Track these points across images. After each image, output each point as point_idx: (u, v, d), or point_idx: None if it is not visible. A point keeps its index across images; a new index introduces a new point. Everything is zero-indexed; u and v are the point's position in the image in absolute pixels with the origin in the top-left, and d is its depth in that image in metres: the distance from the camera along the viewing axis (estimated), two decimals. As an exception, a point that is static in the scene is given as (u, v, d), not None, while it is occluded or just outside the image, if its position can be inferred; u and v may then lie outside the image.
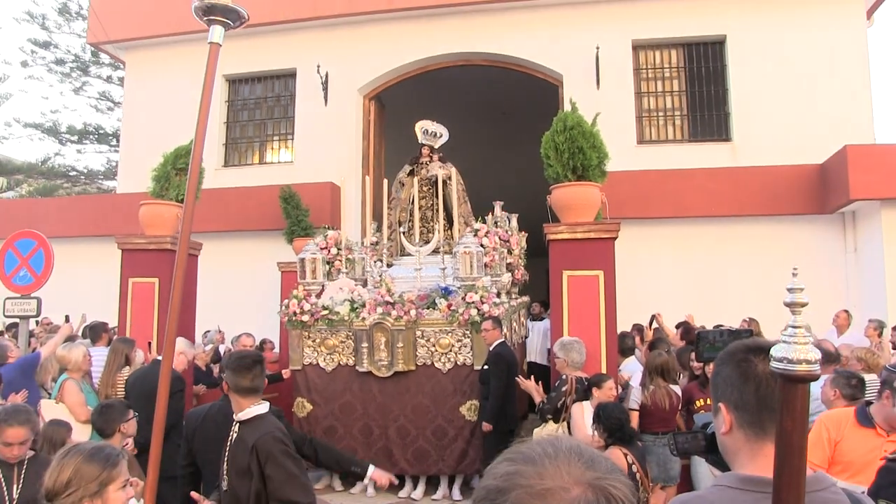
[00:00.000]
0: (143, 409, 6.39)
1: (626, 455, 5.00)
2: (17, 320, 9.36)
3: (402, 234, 9.86)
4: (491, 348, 7.58)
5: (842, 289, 11.89)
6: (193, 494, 3.82)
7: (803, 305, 1.44)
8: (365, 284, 9.03)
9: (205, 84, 3.08)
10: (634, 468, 4.99)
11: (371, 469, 4.78)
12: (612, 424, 5.18)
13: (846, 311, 9.96)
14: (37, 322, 11.65)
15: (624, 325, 9.34)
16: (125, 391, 6.76)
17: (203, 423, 4.49)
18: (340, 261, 9.47)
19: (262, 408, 3.88)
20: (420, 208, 9.68)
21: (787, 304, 1.45)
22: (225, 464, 3.83)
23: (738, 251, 12.23)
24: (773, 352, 1.39)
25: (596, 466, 1.05)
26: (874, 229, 11.42)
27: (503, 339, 7.70)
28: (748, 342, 1.86)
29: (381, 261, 9.39)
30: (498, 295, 8.31)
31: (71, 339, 8.75)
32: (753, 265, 12.05)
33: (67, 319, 8.55)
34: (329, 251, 9.60)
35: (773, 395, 1.68)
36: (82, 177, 29.64)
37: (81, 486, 2.59)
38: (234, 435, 3.84)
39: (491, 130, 18.50)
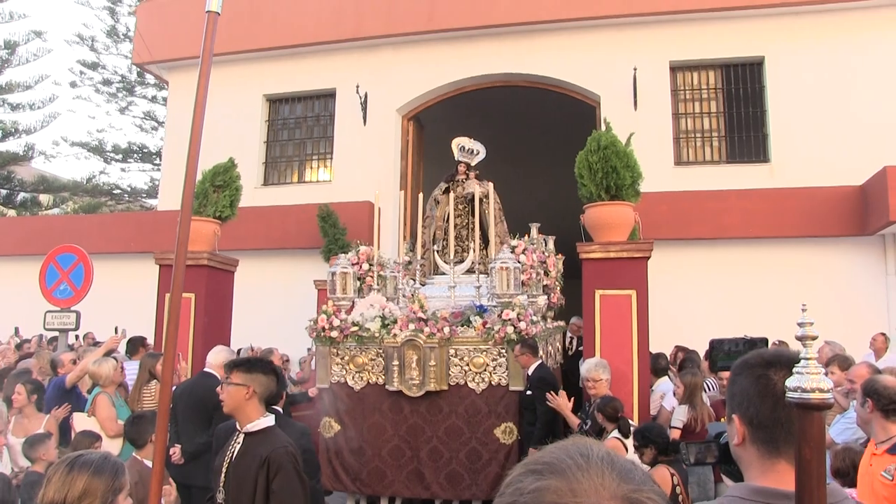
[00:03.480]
0: (190, 420, 6.49)
1: (672, 476, 5.00)
2: (56, 333, 9.56)
3: (436, 253, 9.64)
4: (530, 372, 7.33)
5: (882, 312, 11.69)
6: None
7: (814, 339, 1.47)
8: (397, 303, 8.76)
9: (203, 54, 3.11)
10: (678, 489, 4.98)
11: None
12: (662, 443, 5.21)
13: (883, 335, 9.80)
14: (76, 336, 11.86)
15: (660, 346, 9.28)
16: (173, 402, 6.84)
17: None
18: (372, 277, 9.26)
19: (270, 420, 3.80)
20: (455, 227, 9.38)
21: (799, 338, 1.48)
22: (223, 475, 3.73)
23: (776, 273, 12.08)
24: (787, 383, 1.42)
25: (629, 478, 0.97)
26: (915, 252, 11.24)
27: (541, 361, 7.47)
28: (767, 354, 1.82)
29: (414, 279, 9.21)
30: (534, 316, 8.13)
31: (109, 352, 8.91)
32: (791, 287, 11.88)
33: (117, 331, 8.66)
34: (360, 266, 9.39)
35: (791, 415, 1.67)
36: (126, 195, 30.19)
37: (97, 499, 2.59)
38: (238, 447, 3.74)
39: (529, 151, 18.52)
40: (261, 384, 3.75)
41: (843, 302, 11.65)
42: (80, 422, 6.38)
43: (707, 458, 2.31)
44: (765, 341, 4.97)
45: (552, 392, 6.94)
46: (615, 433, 5.98)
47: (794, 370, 1.43)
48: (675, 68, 13.74)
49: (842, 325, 10.30)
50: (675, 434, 6.46)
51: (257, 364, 3.90)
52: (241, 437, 3.75)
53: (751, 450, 1.76)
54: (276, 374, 3.86)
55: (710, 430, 6.54)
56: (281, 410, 4.77)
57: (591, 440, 1.07)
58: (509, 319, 7.49)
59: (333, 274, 8.60)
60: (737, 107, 13.50)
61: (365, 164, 14.53)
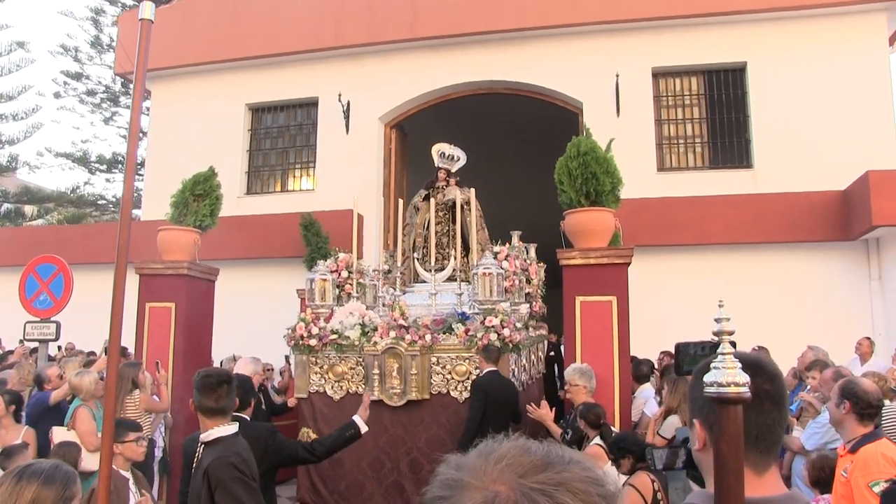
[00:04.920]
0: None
1: (653, 482, 4.97)
2: (37, 344, 9.48)
3: (416, 261, 9.39)
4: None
5: (866, 316, 11.72)
6: None
7: (730, 334, 1.51)
8: (377, 312, 8.50)
9: (137, 60, 3.11)
10: (659, 496, 4.96)
11: (360, 422, 5.04)
12: (639, 451, 5.18)
13: (868, 339, 9.78)
14: (59, 347, 11.76)
15: (645, 353, 9.27)
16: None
17: None
18: (351, 285, 9.08)
19: (227, 429, 3.74)
20: (436, 234, 9.21)
21: (715, 334, 1.50)
22: (190, 486, 3.79)
23: (760, 279, 12.09)
24: (705, 378, 1.43)
25: (533, 472, 0.98)
26: (898, 256, 11.27)
27: (493, 369, 7.12)
28: None
29: (395, 287, 9.04)
30: (516, 324, 7.99)
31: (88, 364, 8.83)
32: (775, 293, 11.91)
33: (106, 351, 8.58)
34: (339, 274, 9.13)
35: (750, 418, 1.63)
36: (111, 205, 30.07)
37: None
38: (198, 457, 3.77)
39: (512, 158, 18.52)
40: (196, 398, 3.75)
41: (827, 307, 11.68)
42: (60, 435, 6.30)
43: (675, 463, 2.27)
44: (732, 344, 4.93)
45: (487, 399, 6.80)
46: (597, 440, 5.94)
47: (712, 365, 1.45)
48: (658, 74, 13.77)
49: (826, 329, 10.33)
50: (660, 443, 6.44)
51: (196, 379, 3.83)
52: (202, 447, 3.77)
53: (711, 455, 1.72)
54: (210, 388, 3.72)
55: (678, 434, 6.52)
56: (248, 418, 4.69)
57: (521, 441, 1.09)
58: (492, 326, 7.33)
59: (312, 281, 8.40)
60: (719, 113, 13.53)
61: (348, 173, 14.50)
